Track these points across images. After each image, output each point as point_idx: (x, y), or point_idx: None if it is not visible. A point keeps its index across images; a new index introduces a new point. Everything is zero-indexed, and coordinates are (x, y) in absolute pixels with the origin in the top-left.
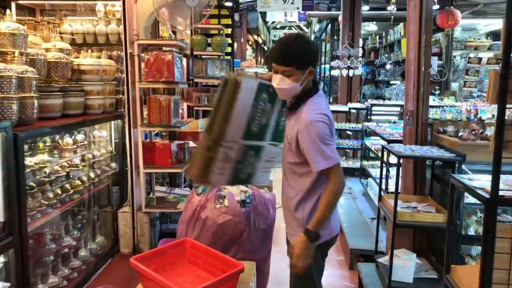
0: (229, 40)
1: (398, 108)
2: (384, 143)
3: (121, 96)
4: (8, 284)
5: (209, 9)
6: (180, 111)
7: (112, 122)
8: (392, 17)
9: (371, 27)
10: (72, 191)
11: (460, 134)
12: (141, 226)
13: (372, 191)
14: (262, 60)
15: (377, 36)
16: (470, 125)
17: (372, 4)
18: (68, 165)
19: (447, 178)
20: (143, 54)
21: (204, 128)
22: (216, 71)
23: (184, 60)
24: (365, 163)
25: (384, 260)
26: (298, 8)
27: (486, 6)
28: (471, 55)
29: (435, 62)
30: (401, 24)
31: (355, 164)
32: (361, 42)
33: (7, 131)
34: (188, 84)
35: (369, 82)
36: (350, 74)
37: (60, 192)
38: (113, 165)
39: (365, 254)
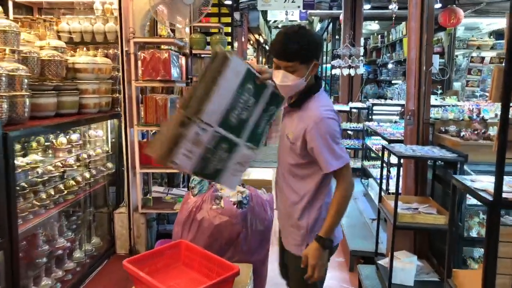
0: (229, 39)
1: (400, 108)
2: (385, 143)
3: (117, 95)
4: None
5: (207, 7)
6: None
7: (108, 121)
8: (394, 15)
9: (373, 26)
10: (66, 192)
11: (462, 134)
12: (137, 227)
13: (373, 192)
14: (264, 60)
15: (379, 36)
16: (472, 124)
17: (373, 2)
18: (62, 165)
19: (449, 178)
20: (139, 53)
21: (180, 103)
22: None
23: (183, 59)
24: (366, 163)
25: (384, 262)
26: (299, 6)
27: (489, 5)
28: (474, 54)
29: (436, 60)
30: (403, 23)
31: (356, 164)
32: (362, 41)
33: None
34: (186, 83)
35: (371, 81)
36: (352, 74)
37: (53, 193)
38: (109, 165)
39: (365, 256)
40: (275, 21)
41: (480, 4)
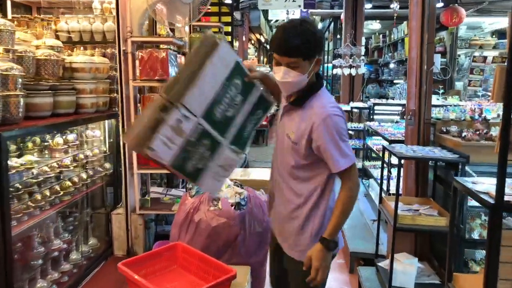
0: (229, 38)
1: (401, 108)
2: (385, 143)
3: (115, 94)
4: None
5: (205, 6)
6: None
7: (106, 121)
8: (395, 15)
9: (375, 25)
10: (62, 193)
11: (463, 134)
12: (135, 228)
13: (374, 192)
14: (265, 60)
15: (381, 35)
16: (474, 124)
17: (375, 2)
18: (58, 166)
19: (450, 180)
20: (137, 52)
21: (163, 88)
22: None
23: (182, 58)
24: (367, 163)
25: (384, 264)
26: (299, 6)
27: (491, 4)
28: (476, 53)
29: (438, 60)
30: (405, 22)
31: (357, 164)
32: (364, 40)
33: None
34: None
35: (373, 81)
36: (353, 73)
37: (49, 194)
38: (107, 165)
39: (365, 258)
40: (276, 21)
41: (482, 3)
